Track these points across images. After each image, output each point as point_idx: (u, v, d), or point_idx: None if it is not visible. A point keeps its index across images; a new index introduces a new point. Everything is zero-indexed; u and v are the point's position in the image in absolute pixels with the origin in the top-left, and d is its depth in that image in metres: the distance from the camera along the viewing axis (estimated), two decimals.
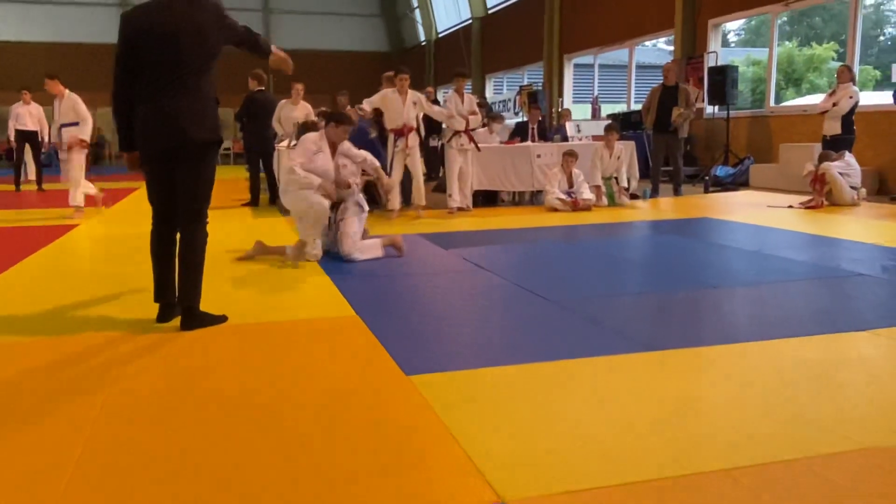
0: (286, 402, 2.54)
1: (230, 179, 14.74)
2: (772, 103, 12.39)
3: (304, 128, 6.29)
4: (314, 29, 28.72)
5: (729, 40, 28.47)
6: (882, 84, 20.85)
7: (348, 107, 9.38)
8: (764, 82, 13.08)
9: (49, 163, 14.65)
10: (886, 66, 18.98)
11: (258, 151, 9.32)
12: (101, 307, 4.00)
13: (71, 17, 26.68)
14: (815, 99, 11.21)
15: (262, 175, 9.50)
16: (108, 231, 7.30)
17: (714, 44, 12.83)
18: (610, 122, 9.35)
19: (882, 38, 28.13)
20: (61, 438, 2.25)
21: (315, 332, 3.48)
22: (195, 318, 3.49)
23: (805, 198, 8.28)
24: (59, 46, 26.59)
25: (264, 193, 9.44)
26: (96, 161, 24.21)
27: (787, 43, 25.85)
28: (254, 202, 9.25)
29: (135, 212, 9.14)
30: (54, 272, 5.14)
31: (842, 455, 2.06)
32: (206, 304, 3.58)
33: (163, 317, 3.60)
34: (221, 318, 3.60)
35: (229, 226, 7.54)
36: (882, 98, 9.71)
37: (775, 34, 12.07)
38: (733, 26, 27.45)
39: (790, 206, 8.08)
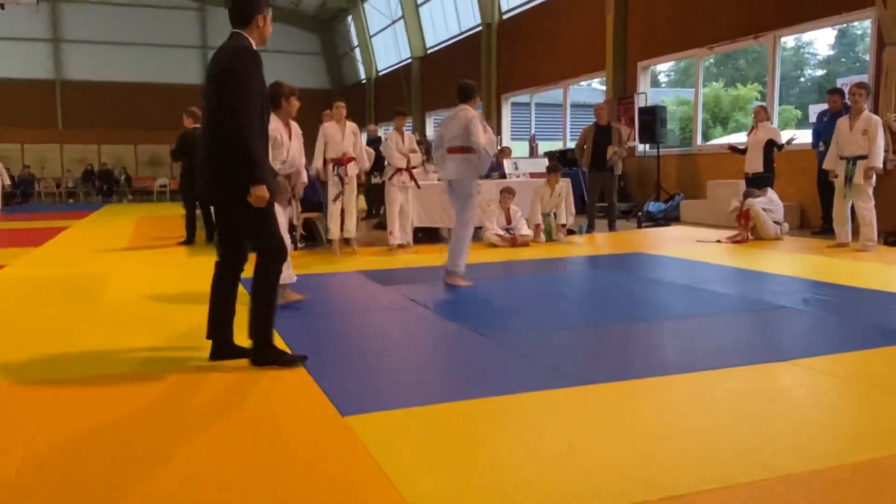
0: (219, 445, 2.50)
1: (166, 217, 14.47)
2: (699, 142, 12.91)
3: None
4: None
5: (660, 81, 29.62)
6: (802, 123, 21.96)
7: None
8: (693, 121, 13.62)
9: None
10: (807, 105, 20.04)
11: (194, 189, 9.20)
12: (14, 355, 3.86)
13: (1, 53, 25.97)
14: (741, 137, 11.73)
15: (199, 213, 9.38)
16: (35, 272, 7.05)
17: (643, 85, 13.34)
18: (553, 163, 9.56)
19: (802, 79, 29.71)
20: None
21: (249, 373, 3.43)
22: (265, 355, 3.44)
23: (732, 232, 8.62)
24: None
25: (200, 231, 9.31)
26: (26, 199, 23.41)
27: (714, 83, 27.05)
28: (189, 240, 9.10)
29: (63, 252, 8.88)
30: None
31: (762, 483, 2.15)
32: (146, 343, 3.50)
33: (214, 355, 3.57)
34: (299, 358, 3.50)
35: (163, 265, 7.39)
36: (803, 137, 10.22)
37: (700, 76, 12.63)
38: (663, 67, 28.58)
39: (718, 241, 8.39)
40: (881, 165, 7.26)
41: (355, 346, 3.97)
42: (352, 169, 7.87)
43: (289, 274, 4.79)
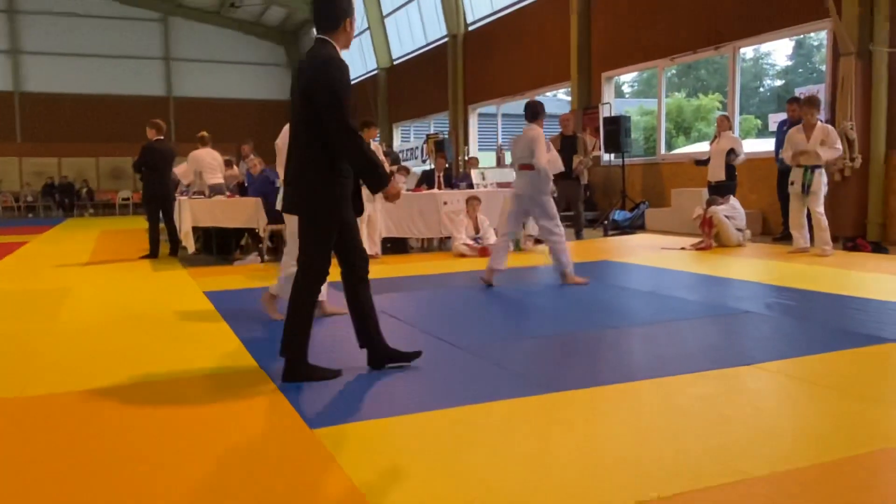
0: (189, 461, 2.45)
1: (129, 231, 14.24)
2: (663, 151, 13.10)
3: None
4: (218, 77, 28.46)
5: (624, 91, 30.07)
6: (763, 132, 22.45)
7: (251, 155, 9.30)
8: (656, 130, 13.83)
9: None
10: (767, 115, 20.51)
11: (158, 202, 9.07)
12: None
13: None
14: (703, 146, 11.93)
15: (162, 226, 9.25)
16: None
17: (608, 95, 13.52)
18: None
19: (762, 89, 30.40)
20: None
21: (216, 385, 3.38)
22: (296, 371, 3.39)
23: (695, 240, 8.75)
24: None
25: (164, 246, 9.17)
26: None
27: (676, 94, 27.53)
28: (153, 254, 8.95)
29: (22, 267, 8.67)
30: None
31: (730, 486, 2.17)
32: (109, 358, 3.42)
33: (372, 362, 3.60)
34: (334, 372, 3.47)
35: (128, 279, 7.26)
36: (764, 145, 10.44)
37: (663, 86, 12.84)
38: (627, 78, 29.02)
39: (682, 248, 8.51)
40: (829, 157, 7.49)
41: (324, 358, 3.92)
42: None
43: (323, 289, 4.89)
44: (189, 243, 8.52)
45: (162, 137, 9.08)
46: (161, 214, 9.15)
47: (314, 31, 3.44)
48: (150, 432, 2.77)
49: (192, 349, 4.15)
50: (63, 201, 24.67)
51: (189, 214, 8.33)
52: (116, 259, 9.06)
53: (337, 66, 3.29)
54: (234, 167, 10.57)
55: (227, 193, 9.13)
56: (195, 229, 8.68)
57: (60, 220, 20.23)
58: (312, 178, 3.34)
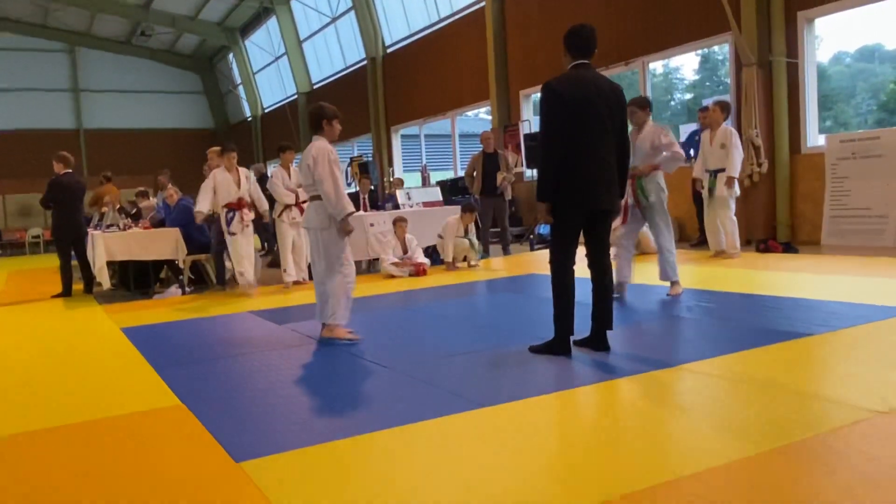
0: (113, 502, 2.31)
1: (41, 269, 13.58)
2: None
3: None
4: (131, 107, 27.63)
5: None
6: None
7: (169, 185, 9.04)
8: None
9: None
10: (678, 126, 21.28)
11: (69, 238, 8.68)
12: None
13: None
14: None
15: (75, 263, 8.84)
16: None
17: (527, 112, 13.76)
18: (470, 203, 9.57)
19: (673, 102, 31.56)
20: None
21: (136, 427, 3.22)
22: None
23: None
24: None
25: (78, 283, 8.77)
26: None
27: None
28: (66, 293, 8.53)
29: None
30: None
31: (661, 486, 2.18)
32: (21, 403, 3.21)
33: (565, 346, 4.04)
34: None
35: (40, 319, 6.89)
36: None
37: None
38: None
39: None
40: (736, 175, 7.73)
41: (250, 388, 3.80)
42: (247, 215, 7.71)
43: (344, 314, 4.91)
44: (104, 279, 8.17)
45: (70, 171, 8.70)
46: (73, 251, 8.75)
47: (581, 59, 4.26)
48: (71, 476, 2.61)
49: (110, 389, 3.96)
50: None
51: (103, 249, 7.99)
52: (27, 300, 8.60)
53: None
54: (151, 198, 10.24)
55: (144, 225, 8.83)
56: (110, 264, 8.34)
57: None
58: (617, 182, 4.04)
